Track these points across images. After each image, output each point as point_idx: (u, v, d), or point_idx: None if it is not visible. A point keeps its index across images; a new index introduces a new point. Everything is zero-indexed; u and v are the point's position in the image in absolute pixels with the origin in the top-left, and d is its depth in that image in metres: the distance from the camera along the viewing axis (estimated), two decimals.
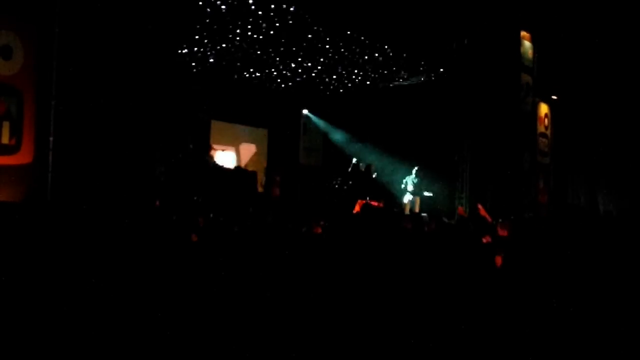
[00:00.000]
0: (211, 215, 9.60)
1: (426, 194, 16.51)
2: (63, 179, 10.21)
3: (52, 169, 10.19)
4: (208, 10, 11.79)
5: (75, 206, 9.87)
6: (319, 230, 8.27)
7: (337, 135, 19.63)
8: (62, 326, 4.86)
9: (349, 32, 13.01)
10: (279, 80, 17.16)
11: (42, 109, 10.27)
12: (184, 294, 6.08)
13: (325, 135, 19.93)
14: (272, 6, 11.76)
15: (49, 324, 4.95)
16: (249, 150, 18.83)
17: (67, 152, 10.34)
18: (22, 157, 10.07)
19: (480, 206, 9.43)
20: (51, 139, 10.24)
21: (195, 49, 13.83)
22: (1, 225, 8.50)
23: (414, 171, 16.27)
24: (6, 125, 9.87)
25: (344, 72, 16.00)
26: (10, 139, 9.89)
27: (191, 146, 14.62)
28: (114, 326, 4.98)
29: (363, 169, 16.50)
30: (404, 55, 14.44)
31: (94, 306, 5.42)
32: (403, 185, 16.33)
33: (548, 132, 17.49)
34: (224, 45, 13.66)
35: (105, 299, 5.69)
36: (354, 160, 16.86)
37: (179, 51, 13.77)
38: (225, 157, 17.41)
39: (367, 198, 14.41)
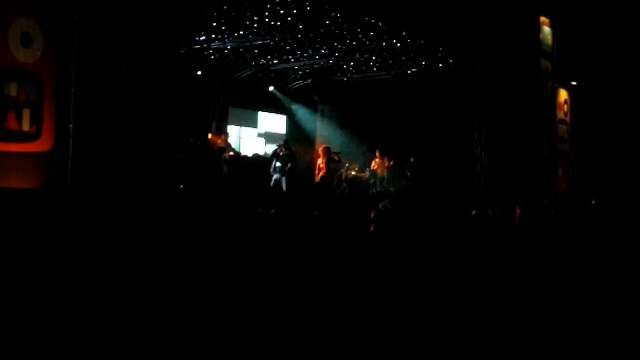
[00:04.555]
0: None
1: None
2: (83, 166, 10.25)
3: (72, 156, 10.24)
4: None
5: (95, 193, 9.94)
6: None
7: (351, 122, 19.60)
8: (78, 315, 4.87)
9: (366, 18, 12.93)
10: (296, 68, 17.14)
11: (62, 96, 10.30)
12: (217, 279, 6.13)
13: (342, 122, 19.91)
14: None
15: (65, 311, 4.96)
16: (267, 136, 18.91)
17: (86, 139, 10.38)
18: (42, 145, 10.11)
19: None
20: (71, 126, 10.28)
21: (213, 36, 13.83)
22: (22, 211, 8.60)
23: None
24: (26, 113, 9.91)
25: (361, 59, 15.92)
26: (30, 126, 9.94)
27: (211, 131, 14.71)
28: (135, 313, 5.01)
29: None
30: (422, 41, 14.33)
31: (114, 294, 5.46)
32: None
33: (567, 119, 17.32)
34: (241, 32, 13.65)
35: (125, 286, 5.73)
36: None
37: (197, 38, 13.79)
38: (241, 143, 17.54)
39: None
